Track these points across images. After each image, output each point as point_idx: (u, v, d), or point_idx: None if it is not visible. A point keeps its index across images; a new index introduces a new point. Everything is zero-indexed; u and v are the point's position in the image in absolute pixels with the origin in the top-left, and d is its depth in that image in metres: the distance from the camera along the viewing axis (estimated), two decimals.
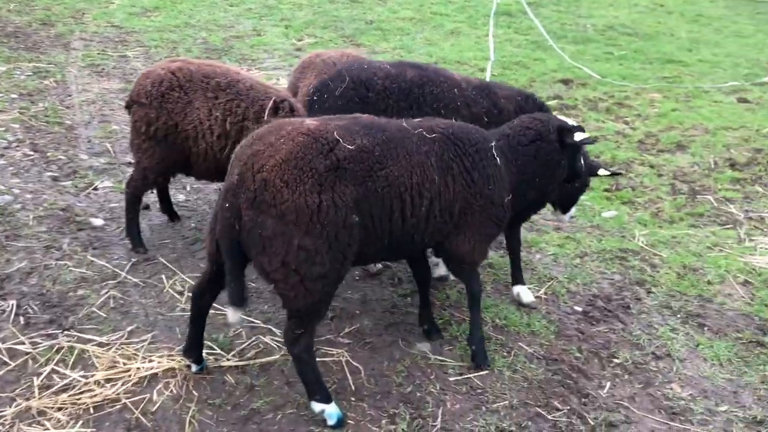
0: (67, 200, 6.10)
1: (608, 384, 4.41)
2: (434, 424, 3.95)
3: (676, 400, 4.31)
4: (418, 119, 4.22)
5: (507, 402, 4.16)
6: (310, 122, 3.75)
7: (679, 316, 5.17)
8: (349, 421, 3.91)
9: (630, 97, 10.39)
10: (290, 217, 3.47)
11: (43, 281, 4.90)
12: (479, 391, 4.24)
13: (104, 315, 4.63)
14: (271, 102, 5.13)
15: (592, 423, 4.05)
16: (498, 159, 4.25)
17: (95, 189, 6.41)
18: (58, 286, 4.88)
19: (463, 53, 12.20)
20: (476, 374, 4.36)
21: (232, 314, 3.69)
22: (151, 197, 6.11)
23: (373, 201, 3.72)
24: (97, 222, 5.80)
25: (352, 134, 3.73)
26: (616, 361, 4.63)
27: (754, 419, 4.17)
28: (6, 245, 5.26)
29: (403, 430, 3.88)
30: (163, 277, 5.11)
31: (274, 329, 4.64)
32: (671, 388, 4.41)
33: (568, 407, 4.16)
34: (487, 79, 9.99)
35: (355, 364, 4.39)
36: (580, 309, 5.21)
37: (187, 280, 5.08)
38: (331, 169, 3.57)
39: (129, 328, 4.51)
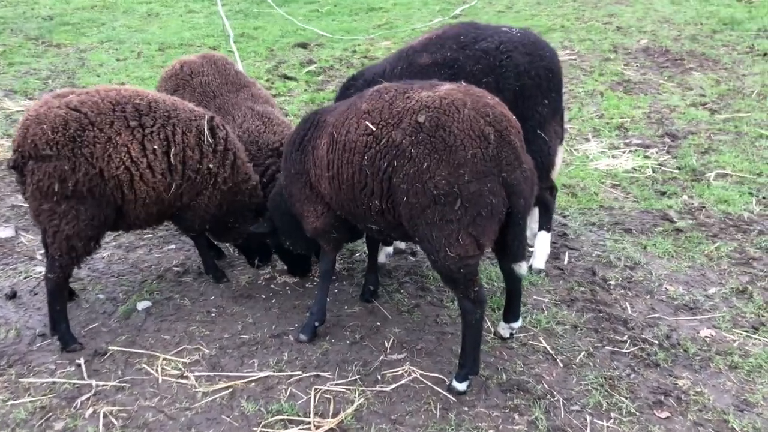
0: None
1: (627, 305, 4.76)
2: (554, 399, 3.90)
3: (680, 296, 4.84)
4: None
5: (584, 352, 4.27)
6: None
7: (607, 228, 5.73)
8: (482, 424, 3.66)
9: (370, 50, 10.73)
10: None
11: None
12: (553, 353, 4.27)
13: None
14: (206, 122, 4.27)
15: (656, 341, 4.36)
16: None
17: None
18: (24, 430, 3.57)
19: (181, 34, 11.30)
20: (535, 336, 4.38)
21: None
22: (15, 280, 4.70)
23: None
24: None
25: None
26: (611, 283, 5.00)
27: (735, 289, 4.89)
28: None
29: (539, 417, 3.76)
30: (144, 365, 4.05)
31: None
32: (667, 289, 4.94)
33: (626, 335, 4.42)
34: (236, 56, 9.48)
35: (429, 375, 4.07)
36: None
37: (171, 359, 4.10)
38: None
39: None
